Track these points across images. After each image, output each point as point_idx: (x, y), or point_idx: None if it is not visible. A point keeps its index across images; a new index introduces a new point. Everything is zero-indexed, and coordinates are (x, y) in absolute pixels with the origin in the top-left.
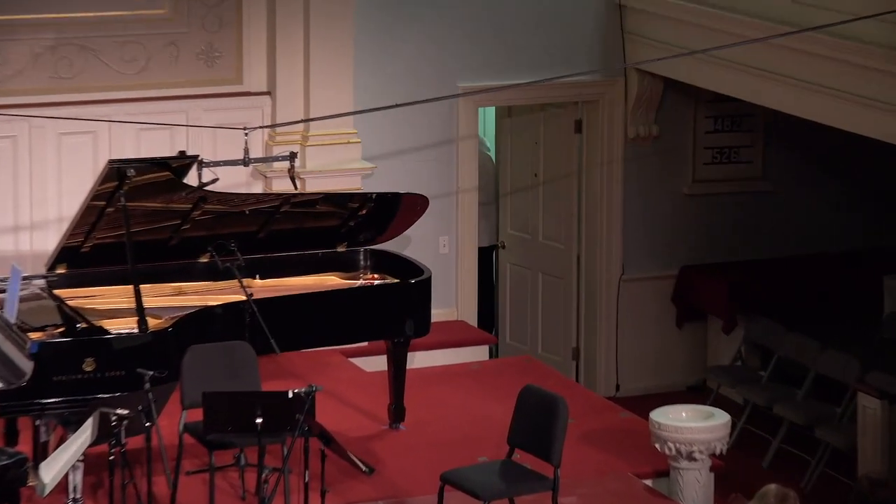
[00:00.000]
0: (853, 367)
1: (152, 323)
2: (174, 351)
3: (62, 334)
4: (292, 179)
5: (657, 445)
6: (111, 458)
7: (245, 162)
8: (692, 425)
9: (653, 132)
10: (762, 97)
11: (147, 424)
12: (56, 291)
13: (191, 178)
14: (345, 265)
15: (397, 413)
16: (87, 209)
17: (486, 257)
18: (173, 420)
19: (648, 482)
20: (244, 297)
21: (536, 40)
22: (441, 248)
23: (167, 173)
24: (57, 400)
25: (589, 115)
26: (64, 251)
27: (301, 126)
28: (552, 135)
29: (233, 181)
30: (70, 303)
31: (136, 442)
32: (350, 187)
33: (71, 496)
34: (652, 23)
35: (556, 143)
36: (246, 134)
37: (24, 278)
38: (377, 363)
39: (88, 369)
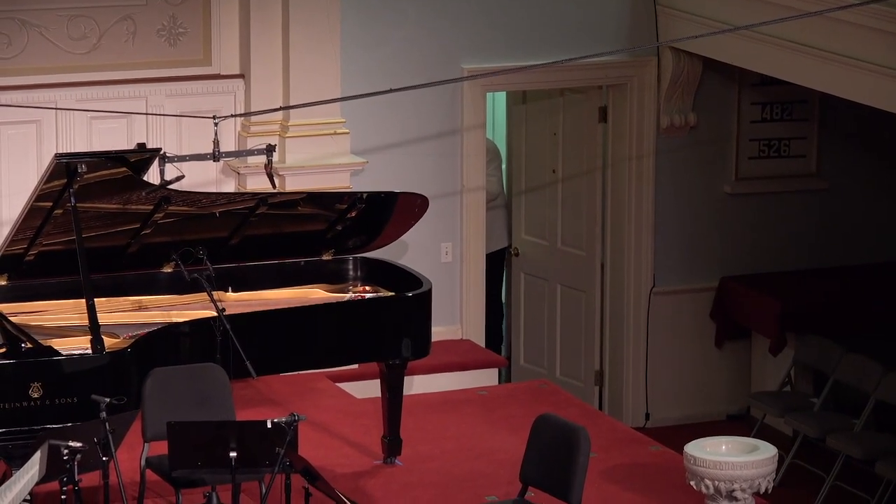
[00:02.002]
0: None
1: (108, 342)
2: (134, 375)
3: (4, 356)
4: (270, 177)
5: (693, 483)
6: (63, 497)
7: (215, 156)
8: (733, 460)
9: (690, 121)
10: (816, 80)
11: (104, 459)
12: None
13: (152, 175)
14: (331, 276)
15: (393, 446)
16: (30, 211)
17: (494, 264)
18: (134, 454)
19: None
20: (215, 313)
21: (554, 15)
22: (443, 255)
23: (124, 169)
24: None
25: (615, 102)
26: (5, 260)
27: (280, 115)
28: (573, 124)
29: (201, 179)
30: (13, 319)
31: (91, 479)
32: (337, 186)
33: None
34: None
35: (577, 134)
36: (216, 123)
37: None
38: (369, 389)
39: (35, 396)
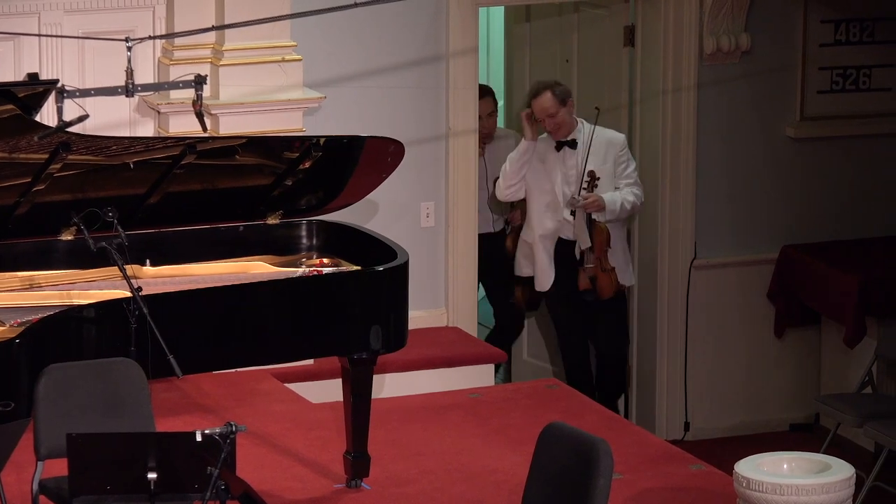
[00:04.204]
0: None
1: None
2: (24, 373)
3: None
4: (199, 117)
5: None
6: None
7: (128, 90)
8: (798, 482)
9: (742, 45)
10: None
11: None
12: None
13: (46, 115)
14: (279, 245)
15: (358, 465)
16: None
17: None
18: (24, 475)
19: None
20: (128, 293)
21: None
22: (424, 219)
23: (11, 107)
24: None
25: (646, 19)
26: None
27: (212, 36)
28: (591, 49)
29: (110, 119)
30: None
31: None
32: (287, 129)
33: None
34: None
35: (596, 62)
36: (129, 48)
37: None
38: (328, 391)
39: None
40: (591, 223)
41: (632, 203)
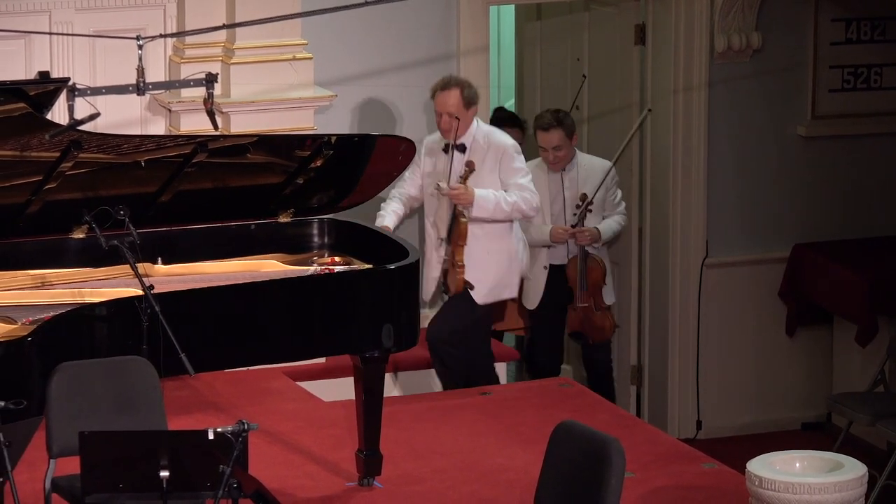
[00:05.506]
0: None
1: (2, 329)
2: (36, 371)
3: None
4: (210, 115)
5: None
6: None
7: (139, 88)
8: (811, 481)
9: (753, 43)
10: None
11: None
12: None
13: (58, 114)
14: (291, 243)
15: (370, 463)
16: None
17: None
18: (36, 473)
19: None
20: (139, 292)
21: None
22: None
23: (22, 105)
24: None
25: (657, 18)
26: None
27: (223, 35)
28: (602, 48)
29: (121, 117)
30: None
31: None
32: (298, 127)
33: None
34: None
35: (607, 61)
36: (140, 46)
37: None
38: (340, 389)
39: None
40: (454, 216)
41: (513, 204)
